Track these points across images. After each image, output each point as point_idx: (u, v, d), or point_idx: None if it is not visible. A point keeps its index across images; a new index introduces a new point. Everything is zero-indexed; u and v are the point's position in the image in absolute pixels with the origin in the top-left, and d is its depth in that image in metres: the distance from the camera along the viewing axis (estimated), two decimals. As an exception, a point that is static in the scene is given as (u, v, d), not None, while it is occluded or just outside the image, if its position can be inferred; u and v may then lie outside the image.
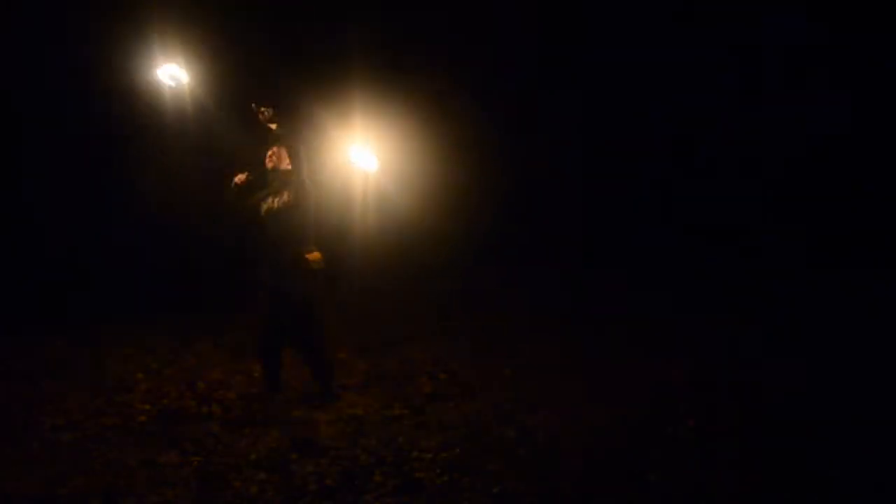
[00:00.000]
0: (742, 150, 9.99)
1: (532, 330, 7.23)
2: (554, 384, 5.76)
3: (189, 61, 5.39)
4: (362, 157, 5.35)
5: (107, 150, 9.43)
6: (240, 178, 5.29)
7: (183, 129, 6.65)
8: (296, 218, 5.26)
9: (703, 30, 9.95)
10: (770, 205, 9.71)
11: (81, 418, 5.16)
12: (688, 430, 4.81)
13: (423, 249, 9.22)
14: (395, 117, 7.05)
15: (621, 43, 10.01)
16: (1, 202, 9.09)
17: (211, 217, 6.90)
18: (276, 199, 5.28)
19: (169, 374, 6.14)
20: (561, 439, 4.72)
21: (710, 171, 9.93)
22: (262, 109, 5.23)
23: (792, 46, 9.76)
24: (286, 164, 5.29)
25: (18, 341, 6.89)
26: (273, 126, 5.27)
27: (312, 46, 9.61)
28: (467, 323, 7.56)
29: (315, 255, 5.29)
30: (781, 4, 9.65)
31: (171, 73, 5.34)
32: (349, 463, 4.46)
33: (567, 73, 10.21)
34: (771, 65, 9.93)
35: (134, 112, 8.42)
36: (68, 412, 5.25)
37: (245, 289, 5.79)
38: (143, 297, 8.25)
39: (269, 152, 5.31)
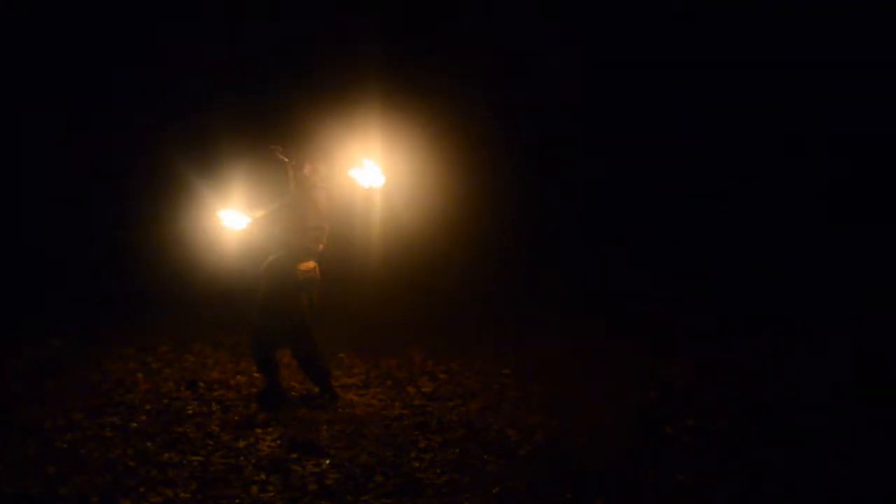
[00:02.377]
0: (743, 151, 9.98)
1: (532, 330, 7.23)
2: (554, 384, 5.76)
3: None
4: (368, 173, 5.39)
5: (109, 150, 9.45)
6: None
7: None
8: (291, 228, 5.28)
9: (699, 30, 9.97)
10: (770, 202, 9.72)
11: (81, 418, 5.16)
12: (688, 430, 4.81)
13: (424, 250, 9.21)
14: (404, 128, 7.11)
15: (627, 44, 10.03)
16: (1, 202, 9.10)
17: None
18: (274, 210, 5.34)
19: (169, 374, 6.13)
20: (561, 439, 4.72)
21: (710, 170, 9.92)
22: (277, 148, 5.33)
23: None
24: (286, 177, 5.35)
25: (18, 341, 6.89)
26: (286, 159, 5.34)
27: (321, 66, 9.65)
28: (468, 323, 7.56)
29: (308, 265, 5.31)
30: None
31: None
32: (349, 463, 4.46)
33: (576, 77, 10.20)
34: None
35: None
36: (68, 412, 5.25)
37: (242, 292, 5.81)
38: (142, 297, 8.25)
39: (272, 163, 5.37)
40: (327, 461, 4.48)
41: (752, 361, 6.14)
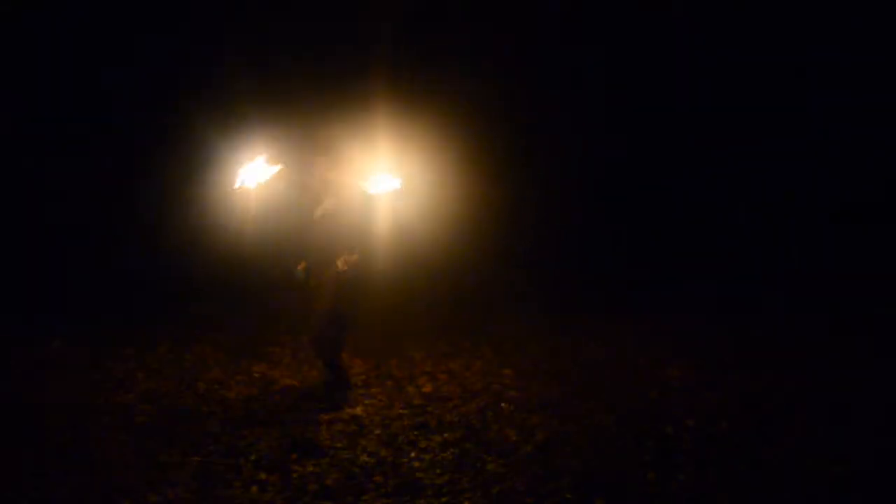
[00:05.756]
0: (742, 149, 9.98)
1: (532, 330, 7.23)
2: (554, 384, 5.76)
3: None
4: (382, 179, 5.51)
5: (111, 150, 9.45)
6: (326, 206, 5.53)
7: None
8: (338, 223, 5.45)
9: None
10: (769, 205, 9.72)
11: (82, 418, 5.16)
12: (688, 430, 4.81)
13: (426, 251, 9.21)
14: (417, 134, 7.19)
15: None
16: (4, 201, 9.10)
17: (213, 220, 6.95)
18: (323, 206, 5.52)
19: (169, 374, 6.13)
20: (561, 439, 4.73)
21: (710, 170, 9.91)
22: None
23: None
24: (331, 175, 5.55)
25: (18, 341, 6.89)
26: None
27: (332, 71, 9.67)
28: (468, 323, 7.56)
29: (352, 258, 5.40)
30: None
31: None
32: (349, 463, 4.47)
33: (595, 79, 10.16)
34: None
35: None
36: (69, 412, 5.25)
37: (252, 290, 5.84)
38: (143, 298, 8.25)
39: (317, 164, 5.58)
40: (327, 461, 4.49)
41: (752, 361, 6.14)
